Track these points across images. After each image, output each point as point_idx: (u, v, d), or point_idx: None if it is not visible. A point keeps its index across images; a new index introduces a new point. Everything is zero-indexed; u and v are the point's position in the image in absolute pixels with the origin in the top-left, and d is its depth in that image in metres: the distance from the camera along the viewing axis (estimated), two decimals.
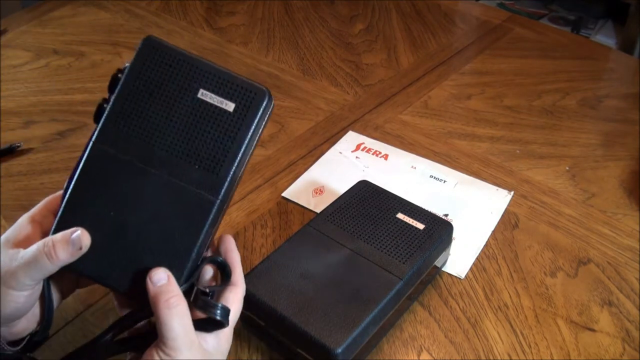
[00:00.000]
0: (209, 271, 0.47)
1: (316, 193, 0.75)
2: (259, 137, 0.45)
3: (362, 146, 0.83)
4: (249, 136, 0.44)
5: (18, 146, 0.83)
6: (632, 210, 0.73)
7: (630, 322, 0.60)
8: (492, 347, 0.58)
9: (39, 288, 0.43)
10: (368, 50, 1.07)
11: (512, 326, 0.60)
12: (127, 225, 0.44)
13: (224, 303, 0.44)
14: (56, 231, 0.43)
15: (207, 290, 0.44)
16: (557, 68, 1.01)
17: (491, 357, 0.57)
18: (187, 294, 0.43)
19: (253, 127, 0.44)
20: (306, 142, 0.85)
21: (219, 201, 0.44)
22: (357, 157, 0.81)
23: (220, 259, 0.46)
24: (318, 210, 0.65)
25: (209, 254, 0.47)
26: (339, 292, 0.54)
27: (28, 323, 0.44)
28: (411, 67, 1.02)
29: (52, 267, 0.41)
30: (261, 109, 0.44)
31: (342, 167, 0.80)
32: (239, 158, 0.44)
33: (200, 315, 0.43)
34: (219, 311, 0.42)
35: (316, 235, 0.60)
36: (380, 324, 0.54)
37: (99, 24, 1.15)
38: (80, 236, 0.42)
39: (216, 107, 0.44)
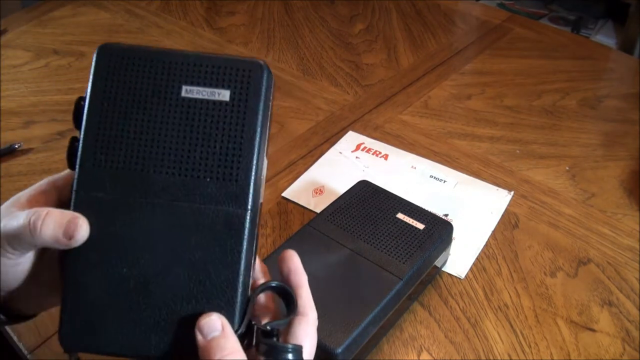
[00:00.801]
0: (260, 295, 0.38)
1: (316, 193, 0.75)
2: (270, 119, 0.38)
3: (362, 146, 0.83)
4: (259, 122, 0.36)
5: (18, 146, 0.83)
6: (632, 210, 0.73)
7: (630, 322, 0.60)
8: (492, 347, 0.58)
9: (31, 260, 0.37)
10: (368, 50, 1.07)
11: (512, 326, 0.60)
12: (148, 278, 0.35)
13: (292, 340, 0.36)
14: (63, 307, 0.35)
15: (269, 328, 0.35)
16: (557, 68, 1.01)
17: (491, 357, 0.57)
18: (245, 336, 0.35)
19: (261, 109, 0.36)
20: (306, 142, 0.85)
21: (249, 212, 0.36)
22: (357, 157, 0.81)
23: (276, 283, 0.38)
24: (318, 210, 0.65)
25: (260, 279, 0.39)
26: (339, 292, 0.54)
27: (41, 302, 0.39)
28: (411, 67, 1.02)
29: (32, 241, 0.34)
30: (263, 86, 0.36)
31: (342, 167, 0.80)
32: (256, 152, 0.36)
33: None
34: (290, 355, 0.34)
35: (316, 235, 0.60)
36: (380, 324, 0.54)
37: (99, 24, 1.15)
38: (79, 226, 0.34)
39: (208, 101, 0.36)
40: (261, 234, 0.70)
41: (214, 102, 0.36)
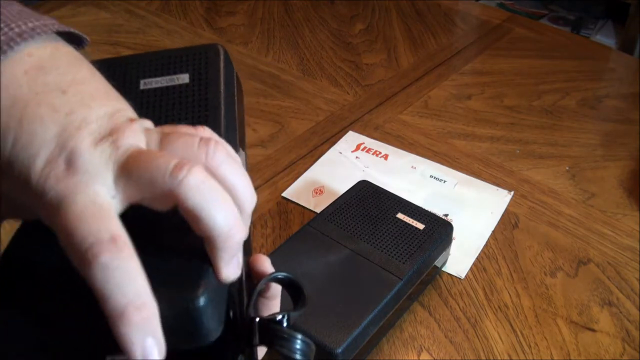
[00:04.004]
0: None
1: (316, 193, 0.75)
2: (240, 104, 0.37)
3: (362, 146, 0.83)
4: (222, 95, 0.34)
5: None
6: (632, 210, 0.73)
7: (630, 322, 0.60)
8: (492, 347, 0.58)
9: None
10: (368, 50, 1.07)
11: (512, 326, 0.60)
12: None
13: None
14: None
15: (279, 317, 0.29)
16: (557, 68, 1.01)
17: (491, 357, 0.57)
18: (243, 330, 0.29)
19: (222, 83, 0.35)
20: (306, 142, 0.85)
21: None
22: (357, 157, 0.81)
23: (284, 274, 0.33)
24: (318, 210, 0.65)
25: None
26: (339, 292, 0.54)
27: None
28: (411, 67, 1.02)
29: None
30: (222, 64, 0.36)
31: (342, 167, 0.80)
32: (222, 120, 0.33)
33: None
34: (298, 345, 0.28)
35: (316, 235, 0.60)
36: (380, 324, 0.54)
37: (99, 24, 1.15)
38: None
39: (168, 87, 0.35)
40: (261, 234, 0.70)
41: (174, 86, 0.35)
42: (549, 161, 0.81)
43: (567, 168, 0.80)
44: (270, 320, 0.29)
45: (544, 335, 0.59)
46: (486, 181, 0.77)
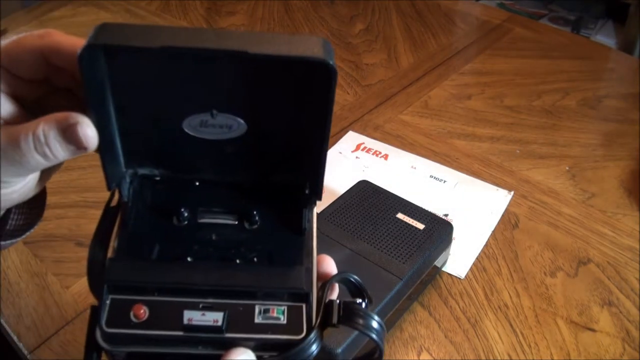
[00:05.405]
0: None
1: None
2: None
3: (362, 146, 0.83)
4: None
5: None
6: (632, 210, 0.73)
7: (630, 322, 0.60)
8: (492, 347, 0.58)
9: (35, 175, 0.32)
10: (368, 50, 1.07)
11: (512, 326, 0.60)
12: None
13: None
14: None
15: (359, 300, 0.34)
16: (557, 68, 1.01)
17: (491, 357, 0.57)
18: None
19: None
20: None
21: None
22: (357, 157, 0.81)
23: (355, 277, 0.36)
24: (318, 210, 0.65)
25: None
26: (338, 292, 0.54)
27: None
28: (411, 67, 1.02)
29: (46, 164, 0.30)
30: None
31: (342, 167, 0.80)
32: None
33: None
34: (374, 323, 0.32)
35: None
36: None
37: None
38: (87, 136, 0.29)
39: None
40: None
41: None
42: (549, 161, 0.81)
43: (567, 168, 0.80)
44: (352, 302, 0.33)
45: (544, 335, 0.59)
46: (486, 181, 0.77)
